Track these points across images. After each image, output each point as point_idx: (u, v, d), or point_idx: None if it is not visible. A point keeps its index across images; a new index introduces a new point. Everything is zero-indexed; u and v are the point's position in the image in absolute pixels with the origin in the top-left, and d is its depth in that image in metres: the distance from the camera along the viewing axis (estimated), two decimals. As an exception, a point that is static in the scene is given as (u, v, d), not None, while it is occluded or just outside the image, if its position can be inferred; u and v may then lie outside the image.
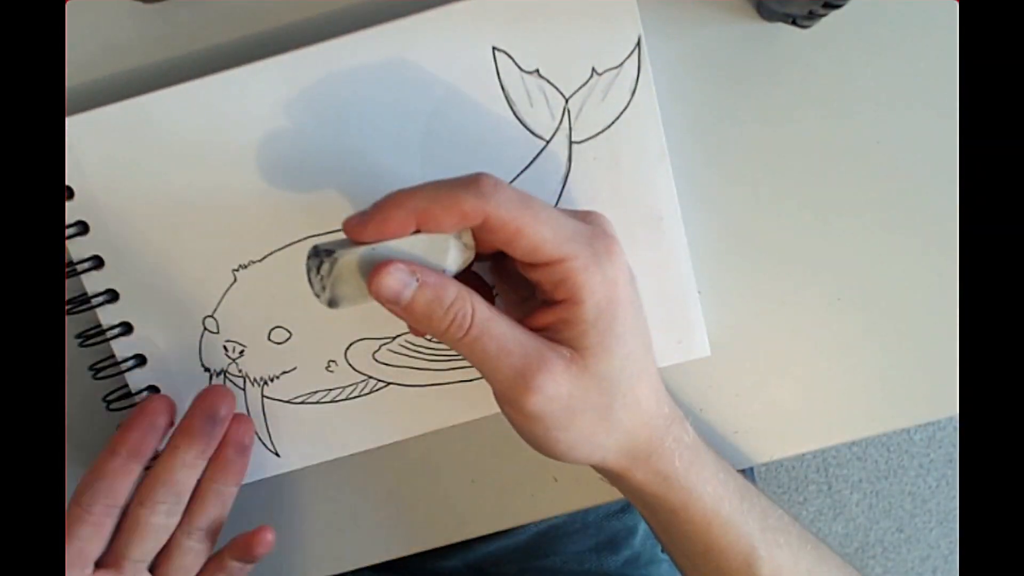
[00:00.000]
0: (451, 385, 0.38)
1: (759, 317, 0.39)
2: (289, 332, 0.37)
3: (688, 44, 0.36)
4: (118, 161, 0.35)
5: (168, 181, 0.36)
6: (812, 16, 0.33)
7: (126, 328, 0.37)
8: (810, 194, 0.38)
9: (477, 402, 0.39)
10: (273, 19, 0.36)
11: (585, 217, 0.32)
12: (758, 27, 0.36)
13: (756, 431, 0.40)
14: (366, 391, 0.38)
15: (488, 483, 0.41)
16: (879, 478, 1.26)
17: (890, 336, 0.39)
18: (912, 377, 0.40)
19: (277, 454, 0.39)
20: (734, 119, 0.37)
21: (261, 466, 0.39)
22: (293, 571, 0.42)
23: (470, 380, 0.38)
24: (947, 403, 0.40)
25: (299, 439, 0.39)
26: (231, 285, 0.37)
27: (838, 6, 0.31)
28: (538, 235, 0.29)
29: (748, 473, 0.67)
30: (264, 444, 0.39)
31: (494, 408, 0.39)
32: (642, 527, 0.55)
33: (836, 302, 0.39)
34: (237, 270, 0.37)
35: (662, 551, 0.57)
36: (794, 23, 0.35)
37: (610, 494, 0.40)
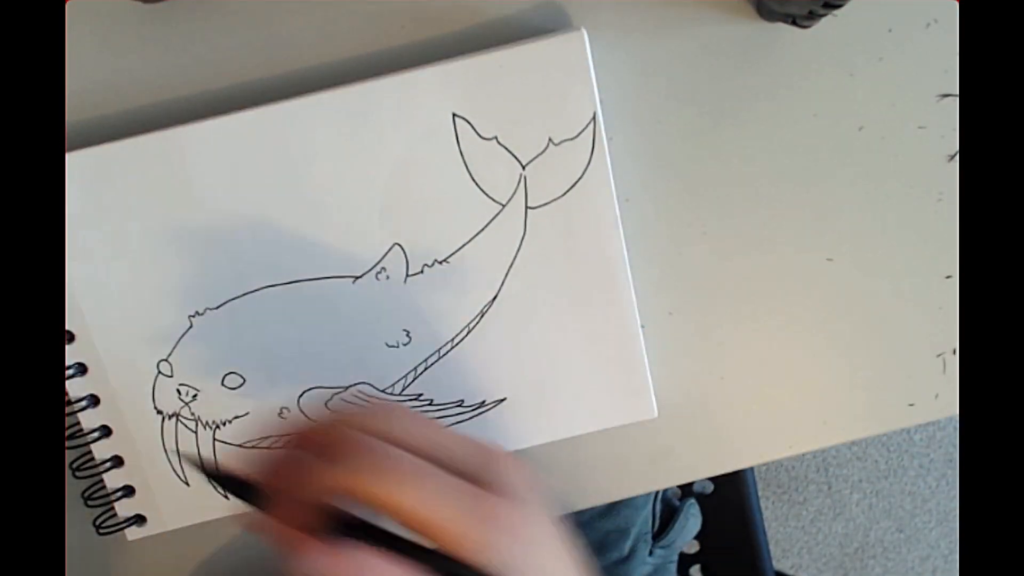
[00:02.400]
0: (401, 436, 0.39)
1: (758, 315, 0.39)
2: (243, 378, 0.38)
3: (687, 44, 0.36)
4: (79, 203, 0.36)
5: (128, 226, 0.36)
6: (812, 16, 0.33)
7: (80, 368, 0.37)
8: (807, 196, 0.38)
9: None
10: (268, 24, 0.36)
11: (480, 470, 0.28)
12: (758, 27, 0.36)
13: (756, 431, 0.40)
14: (317, 438, 0.39)
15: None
16: (879, 478, 1.26)
17: (890, 336, 0.39)
18: (912, 377, 0.40)
19: (226, 496, 0.39)
20: (734, 119, 0.37)
21: (208, 508, 0.39)
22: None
23: (420, 432, 0.39)
24: (947, 403, 0.40)
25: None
26: (187, 330, 0.37)
27: (838, 6, 0.31)
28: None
29: (748, 473, 0.68)
30: (214, 487, 0.39)
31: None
32: (634, 529, 0.55)
33: (837, 301, 0.39)
34: (193, 316, 0.37)
35: (650, 554, 0.57)
36: (794, 23, 0.35)
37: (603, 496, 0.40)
